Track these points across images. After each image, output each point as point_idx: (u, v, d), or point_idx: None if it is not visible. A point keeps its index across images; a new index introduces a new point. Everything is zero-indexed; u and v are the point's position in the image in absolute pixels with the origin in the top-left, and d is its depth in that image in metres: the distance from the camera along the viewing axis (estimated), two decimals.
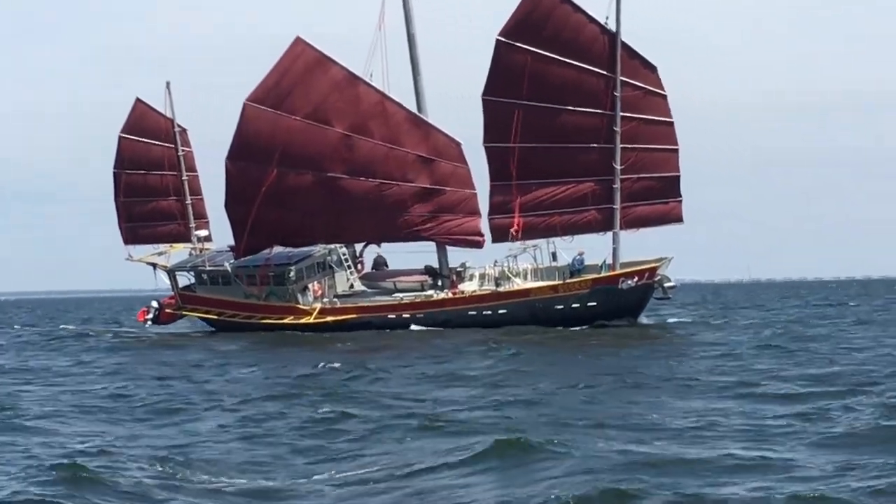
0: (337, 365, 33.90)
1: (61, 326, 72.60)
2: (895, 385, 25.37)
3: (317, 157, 55.60)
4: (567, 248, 54.95)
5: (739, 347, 38.43)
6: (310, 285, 57.28)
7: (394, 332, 52.42)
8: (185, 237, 64.88)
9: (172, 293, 61.87)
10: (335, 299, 56.66)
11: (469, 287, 55.30)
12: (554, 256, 55.12)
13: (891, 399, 22.46)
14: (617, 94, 52.83)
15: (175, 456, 17.87)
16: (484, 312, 53.84)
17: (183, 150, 64.83)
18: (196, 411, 23.96)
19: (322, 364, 34.26)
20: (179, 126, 64.76)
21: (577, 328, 51.69)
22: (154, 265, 63.49)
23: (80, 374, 34.84)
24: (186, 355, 42.20)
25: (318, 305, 56.27)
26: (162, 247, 64.85)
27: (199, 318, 60.89)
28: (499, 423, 20.14)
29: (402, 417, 21.47)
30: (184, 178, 64.65)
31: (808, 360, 32.76)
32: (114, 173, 65.05)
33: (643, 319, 55.07)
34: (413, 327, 53.90)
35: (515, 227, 53.69)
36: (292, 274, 57.26)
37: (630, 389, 26.03)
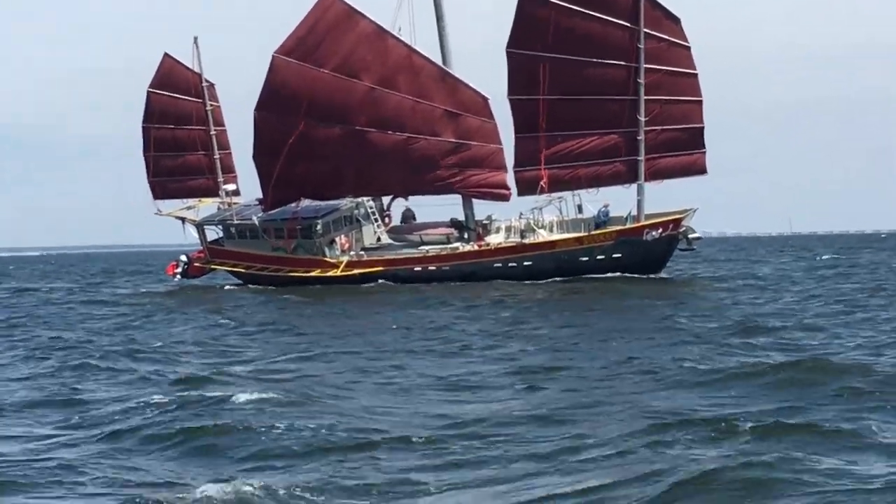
0: (230, 322, 34.61)
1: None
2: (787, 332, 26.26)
3: (345, 109, 55.94)
4: (592, 201, 55.34)
5: (683, 297, 39.36)
6: (337, 239, 57.73)
7: (385, 287, 53.16)
8: (213, 191, 65.14)
9: (201, 247, 62.49)
10: (362, 252, 57.14)
11: (495, 239, 55.65)
12: (579, 209, 55.47)
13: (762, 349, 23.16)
14: (640, 45, 52.99)
15: None
16: (509, 265, 54.25)
17: (211, 105, 65.09)
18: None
19: (220, 319, 35.30)
20: (207, 81, 65.00)
21: (568, 282, 51.85)
22: (183, 219, 63.93)
23: None
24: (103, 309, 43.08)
25: (344, 259, 56.75)
26: (190, 201, 65.21)
27: (227, 271, 61.48)
28: (287, 376, 20.79)
29: (209, 362, 22.71)
30: (212, 132, 64.95)
31: (738, 312, 33.06)
32: (143, 128, 65.40)
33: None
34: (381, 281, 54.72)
35: (545, 179, 53.96)
36: (319, 227, 57.67)
37: (521, 339, 26.82)
